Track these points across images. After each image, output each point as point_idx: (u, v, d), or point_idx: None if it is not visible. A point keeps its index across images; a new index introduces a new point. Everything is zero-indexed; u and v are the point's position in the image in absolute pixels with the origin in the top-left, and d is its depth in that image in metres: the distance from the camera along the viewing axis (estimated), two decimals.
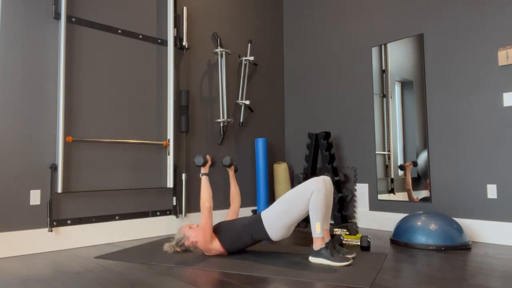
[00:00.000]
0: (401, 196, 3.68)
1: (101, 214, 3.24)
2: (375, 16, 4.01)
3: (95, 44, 3.30)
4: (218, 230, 2.65)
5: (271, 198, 4.61)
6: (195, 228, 2.74)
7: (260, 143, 4.23)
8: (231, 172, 3.04)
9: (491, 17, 3.18)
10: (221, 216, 4.04)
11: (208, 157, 2.75)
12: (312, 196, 2.42)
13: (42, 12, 3.03)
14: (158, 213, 3.58)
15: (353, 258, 2.55)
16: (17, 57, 2.89)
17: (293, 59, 4.86)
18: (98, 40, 3.32)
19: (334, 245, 2.49)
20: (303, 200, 2.44)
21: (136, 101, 3.53)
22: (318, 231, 2.40)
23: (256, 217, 2.60)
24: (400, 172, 3.69)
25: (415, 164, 3.59)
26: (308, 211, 2.47)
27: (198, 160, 2.69)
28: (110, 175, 3.31)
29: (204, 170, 2.69)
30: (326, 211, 2.45)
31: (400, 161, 3.70)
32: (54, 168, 2.98)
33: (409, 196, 3.60)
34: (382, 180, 3.84)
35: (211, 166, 2.80)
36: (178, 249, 2.75)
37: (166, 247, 2.76)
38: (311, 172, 4.14)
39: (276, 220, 2.50)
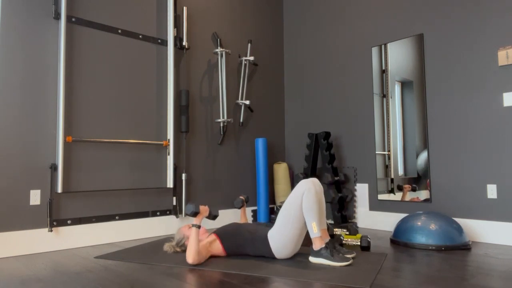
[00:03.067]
0: (401, 196, 3.67)
1: (101, 214, 3.23)
2: (375, 16, 4.01)
3: (95, 44, 3.30)
4: (224, 231, 2.61)
5: (271, 198, 4.61)
6: None
7: (260, 143, 4.23)
8: (242, 208, 3.07)
9: (491, 17, 3.18)
10: (224, 215, 4.04)
11: (202, 207, 2.54)
12: (303, 198, 2.41)
13: (42, 12, 3.03)
14: (158, 213, 3.58)
15: (353, 258, 2.54)
16: (17, 57, 2.89)
17: (293, 59, 4.86)
18: (98, 40, 3.32)
19: (334, 245, 2.49)
20: (298, 205, 2.42)
21: (136, 101, 3.53)
22: (315, 230, 2.39)
23: (262, 237, 2.51)
24: (401, 172, 3.69)
25: (414, 189, 3.56)
26: None
27: (189, 208, 2.44)
28: (110, 175, 3.31)
29: (196, 221, 2.48)
30: (319, 210, 2.42)
31: (400, 161, 3.69)
32: (54, 168, 2.98)
33: (403, 196, 3.61)
34: (382, 180, 3.84)
35: (208, 217, 2.58)
36: (178, 249, 2.75)
37: (166, 247, 2.76)
38: (311, 172, 4.14)
39: (281, 237, 2.44)
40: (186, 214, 2.44)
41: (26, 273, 2.30)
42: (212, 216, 2.59)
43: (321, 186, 2.56)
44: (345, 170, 4.19)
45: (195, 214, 2.46)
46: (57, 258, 2.70)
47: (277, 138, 4.81)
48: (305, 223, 2.45)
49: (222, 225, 3.43)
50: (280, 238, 2.45)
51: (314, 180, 2.51)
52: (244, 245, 2.56)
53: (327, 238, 2.52)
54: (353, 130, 4.14)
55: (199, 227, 2.45)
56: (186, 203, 2.56)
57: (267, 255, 2.52)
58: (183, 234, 2.73)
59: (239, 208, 3.02)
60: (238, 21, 4.47)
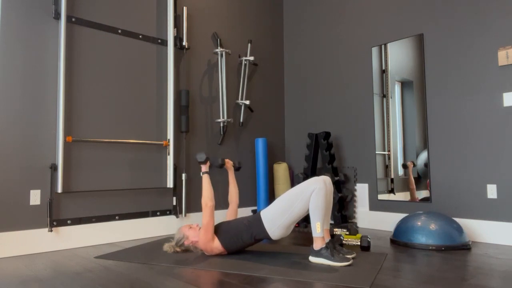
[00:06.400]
0: (401, 196, 3.68)
1: (101, 214, 3.23)
2: (375, 16, 4.01)
3: (95, 44, 3.30)
4: (218, 230, 2.66)
5: (271, 198, 4.61)
6: (195, 227, 2.74)
7: (260, 143, 4.23)
8: (230, 171, 3.04)
9: (491, 17, 3.18)
10: (220, 216, 4.04)
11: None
12: (312, 196, 2.42)
13: (42, 12, 3.03)
14: (158, 213, 3.58)
15: (353, 258, 2.55)
16: (17, 57, 2.89)
17: (293, 59, 4.86)
18: (98, 40, 3.32)
19: (334, 245, 2.49)
20: (303, 200, 2.44)
21: (136, 101, 3.53)
22: (318, 230, 2.40)
23: (255, 216, 2.60)
24: (401, 172, 3.69)
25: (414, 164, 3.59)
26: (307, 211, 2.48)
27: (200, 156, 2.70)
28: (110, 175, 3.31)
29: (204, 168, 2.71)
30: (326, 210, 2.45)
31: (400, 161, 3.70)
32: (54, 168, 2.98)
33: (412, 195, 3.60)
34: (382, 180, 3.84)
35: (210, 166, 2.81)
36: (178, 249, 2.75)
37: (166, 247, 2.77)
38: (311, 172, 4.14)
39: (276, 219, 2.50)
40: (199, 162, 2.71)
41: (26, 273, 2.30)
42: (219, 165, 2.87)
43: (332, 186, 2.57)
44: (345, 170, 4.19)
45: (206, 160, 2.70)
46: (57, 258, 2.70)
47: (277, 138, 4.81)
48: (303, 215, 2.49)
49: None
50: (274, 222, 2.51)
51: (326, 179, 2.51)
52: (241, 234, 2.59)
53: (328, 238, 2.53)
54: (353, 130, 4.14)
55: (208, 173, 2.71)
56: (196, 154, 2.94)
57: (263, 236, 2.57)
58: (183, 234, 2.73)
59: (218, 166, 2.88)
60: (238, 21, 4.47)
